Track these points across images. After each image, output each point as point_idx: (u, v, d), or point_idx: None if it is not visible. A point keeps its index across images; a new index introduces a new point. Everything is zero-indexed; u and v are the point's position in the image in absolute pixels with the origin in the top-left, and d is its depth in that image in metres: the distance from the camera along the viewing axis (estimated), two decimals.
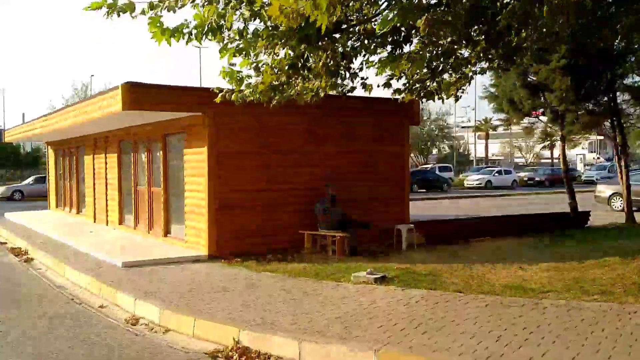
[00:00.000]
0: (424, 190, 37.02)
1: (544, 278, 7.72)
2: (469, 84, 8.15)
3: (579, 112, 13.86)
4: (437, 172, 44.07)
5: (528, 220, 14.31)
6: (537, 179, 43.04)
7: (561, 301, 6.30)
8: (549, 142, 43.95)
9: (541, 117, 14.11)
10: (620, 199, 21.32)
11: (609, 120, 15.22)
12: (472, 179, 41.12)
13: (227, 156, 10.67)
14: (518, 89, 13.42)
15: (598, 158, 69.12)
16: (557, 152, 60.97)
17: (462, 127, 79.16)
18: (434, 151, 52.39)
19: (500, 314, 5.92)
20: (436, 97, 7.63)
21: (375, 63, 6.82)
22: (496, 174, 40.99)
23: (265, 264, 9.68)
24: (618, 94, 15.75)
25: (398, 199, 12.58)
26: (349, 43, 6.90)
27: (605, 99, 15.11)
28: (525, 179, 43.54)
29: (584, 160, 57.97)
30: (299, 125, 11.54)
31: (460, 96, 7.77)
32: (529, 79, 13.57)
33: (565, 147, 14.53)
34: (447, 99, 7.87)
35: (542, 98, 13.58)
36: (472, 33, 7.17)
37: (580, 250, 10.15)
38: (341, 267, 9.03)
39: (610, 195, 21.65)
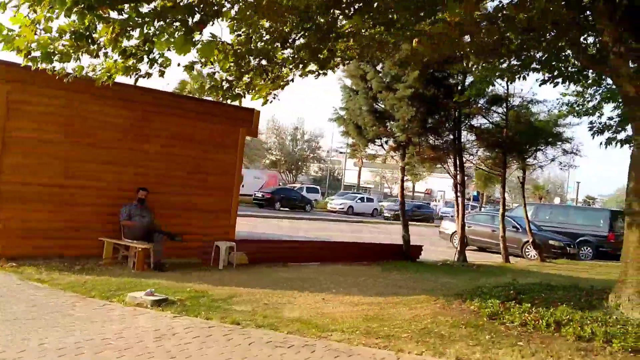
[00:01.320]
0: (287, 209, 36.59)
1: (341, 313, 7.04)
2: (282, 89, 7.47)
3: (421, 146, 13.81)
4: (304, 192, 43.97)
5: (364, 249, 14.00)
6: (396, 209, 44.22)
7: (334, 344, 5.58)
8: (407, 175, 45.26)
9: (385, 146, 13.93)
10: None
11: (452, 158, 15.42)
12: (335, 203, 41.38)
13: (19, 142, 9.09)
14: (364, 114, 13.10)
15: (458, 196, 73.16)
16: (419, 185, 63.82)
17: (340, 152, 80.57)
18: (303, 172, 52.29)
19: (257, 355, 5.06)
20: (242, 98, 6.77)
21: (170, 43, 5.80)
22: (359, 201, 41.58)
23: (44, 271, 8.23)
24: (464, 132, 16.10)
25: (225, 212, 11.60)
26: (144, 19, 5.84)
27: (451, 136, 15.32)
28: (392, 211, 44.52)
29: (444, 197, 60.90)
30: (124, 120, 10.30)
31: (271, 101, 7.05)
32: (375, 105, 13.31)
33: (404, 179, 14.41)
34: (253, 100, 7.11)
35: (387, 126, 13.37)
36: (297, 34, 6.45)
37: (399, 284, 9.76)
38: (127, 283, 7.82)
39: (452, 233, 22.25)
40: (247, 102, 17.39)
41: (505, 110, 15.78)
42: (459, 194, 15.36)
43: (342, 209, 40.15)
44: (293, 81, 7.94)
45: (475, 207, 45.79)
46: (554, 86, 9.72)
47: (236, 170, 11.67)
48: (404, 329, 6.33)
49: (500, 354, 5.55)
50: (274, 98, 7.57)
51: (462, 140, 16.02)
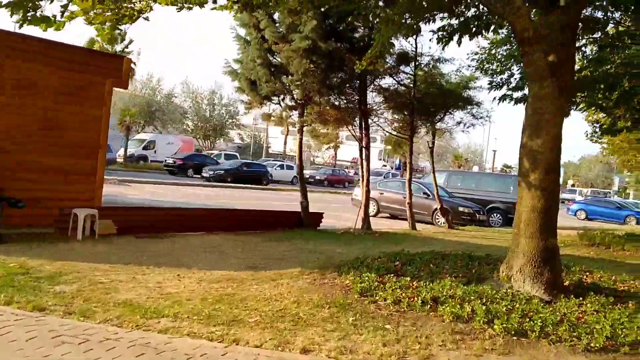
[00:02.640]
0: (200, 176, 34.92)
1: (190, 292, 5.86)
2: (132, 22, 6.07)
3: (321, 105, 12.68)
4: (222, 159, 42.26)
5: (258, 217, 12.84)
6: (317, 177, 43.49)
7: (152, 335, 4.39)
8: (333, 143, 44.42)
9: (283, 105, 12.68)
10: (374, 203, 21.41)
11: (358, 120, 14.45)
12: None
13: None
14: (257, 68, 11.75)
15: (385, 165, 73.22)
16: (346, 154, 63.34)
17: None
18: (220, 139, 50.16)
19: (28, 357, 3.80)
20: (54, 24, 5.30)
21: None
22: (277, 168, 40.35)
23: None
24: (371, 92, 15.13)
25: (88, 175, 10.05)
26: None
27: (357, 96, 14.30)
28: (307, 176, 43.71)
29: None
30: None
31: (120, 39, 5.66)
32: (270, 59, 11.99)
33: (302, 141, 13.28)
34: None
35: (284, 82, 12.10)
36: None
37: (280, 255, 8.68)
38: None
39: None
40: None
41: (413, 70, 14.87)
42: (364, 158, 14.43)
43: None
44: (146, 12, 6.55)
45: (396, 175, 45.69)
46: (459, 44, 8.77)
47: (102, 126, 10.11)
48: (258, 311, 5.24)
49: (359, 340, 4.55)
50: (121, 36, 6.09)
51: (369, 101, 15.05)
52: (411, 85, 14.93)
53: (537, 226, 6.39)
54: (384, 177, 43.72)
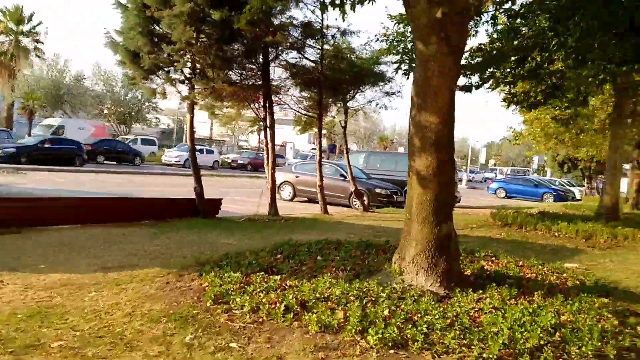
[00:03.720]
0: (113, 163, 32.79)
1: (0, 304, 4.58)
2: None
3: (214, 81, 11.38)
4: (138, 144, 40.06)
5: (145, 205, 11.48)
6: (240, 162, 42.05)
7: None
8: (257, 127, 43.08)
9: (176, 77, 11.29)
10: (290, 187, 20.38)
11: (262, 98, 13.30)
12: (170, 155, 38.01)
13: None
14: (137, 37, 10.31)
15: (314, 149, 72.24)
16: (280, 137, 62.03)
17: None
18: (138, 123, 47.45)
19: None
20: None
21: None
22: (197, 153, 38.49)
23: None
24: (277, 68, 13.99)
25: None
26: None
27: (259, 73, 13.12)
28: (229, 160, 42.24)
29: (294, 149, 59.70)
30: None
31: None
32: (152, 27, 10.56)
33: (192, 119, 11.97)
34: None
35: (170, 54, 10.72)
36: None
37: (149, 250, 7.43)
38: None
39: (280, 183, 20.46)
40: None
41: (320, 44, 13.81)
42: (268, 138, 13.32)
43: (178, 161, 36.93)
44: None
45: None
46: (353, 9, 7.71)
47: None
48: (73, 331, 4.07)
49: None
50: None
51: (275, 77, 13.94)
52: (319, 60, 13.88)
53: (430, 210, 5.50)
54: (308, 160, 43.16)
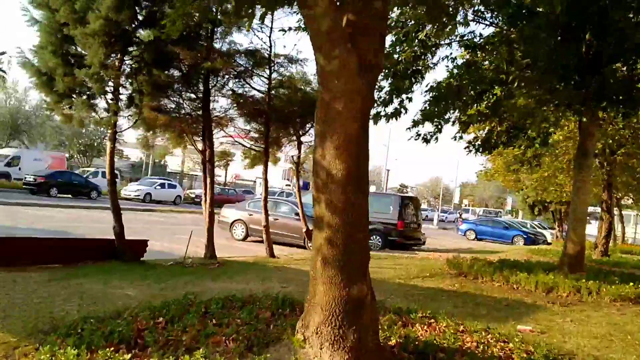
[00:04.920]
0: (68, 196, 31.19)
1: None
2: None
3: (141, 109, 10.28)
4: (99, 177, 38.46)
5: (56, 246, 10.12)
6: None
7: None
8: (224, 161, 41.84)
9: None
10: (243, 226, 19.11)
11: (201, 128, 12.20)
12: (130, 189, 36.51)
13: None
14: (48, 56, 9.18)
15: (288, 185, 70.85)
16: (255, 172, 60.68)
17: None
18: (98, 155, 45.81)
19: None
20: None
21: None
22: (158, 187, 37.09)
23: None
24: (222, 98, 12.95)
25: None
26: None
27: (198, 101, 12.07)
28: (193, 196, 40.79)
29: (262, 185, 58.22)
30: None
31: None
32: (67, 46, 9.43)
33: (115, 151, 10.78)
34: None
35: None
36: None
37: (35, 304, 6.12)
38: None
39: (232, 222, 19.24)
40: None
41: (269, 72, 12.84)
42: (207, 173, 12.17)
43: (138, 196, 35.49)
44: None
45: (291, 194, 43.60)
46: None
47: None
48: None
49: None
50: None
51: (219, 107, 12.91)
52: (266, 90, 12.88)
53: (338, 267, 4.37)
54: (278, 196, 41.89)
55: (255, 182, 60.99)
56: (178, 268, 10.42)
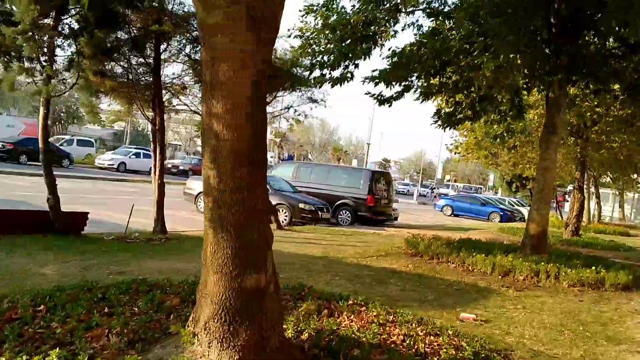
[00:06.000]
0: (40, 164, 30.15)
1: None
2: None
3: (85, 70, 9.56)
4: (74, 145, 37.63)
5: None
6: (181, 167, 39.89)
7: None
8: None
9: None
10: (201, 200, 18.48)
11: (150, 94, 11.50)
12: (104, 158, 35.67)
13: None
14: None
15: (273, 157, 69.84)
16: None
17: None
18: (74, 123, 44.62)
19: None
20: None
21: None
22: (133, 156, 36.21)
23: None
24: (178, 63, 12.22)
25: None
26: None
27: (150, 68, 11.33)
28: (169, 166, 39.96)
29: None
30: None
31: None
32: None
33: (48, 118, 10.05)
34: None
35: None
36: None
37: None
38: None
39: (197, 194, 18.56)
40: None
41: None
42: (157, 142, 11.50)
43: (112, 165, 34.65)
44: None
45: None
46: None
47: None
48: None
49: None
50: None
51: (176, 74, 12.24)
52: None
53: (229, 254, 3.78)
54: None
55: None
56: (119, 243, 9.81)
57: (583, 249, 15.25)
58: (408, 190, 59.95)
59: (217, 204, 3.73)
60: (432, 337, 5.00)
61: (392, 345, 4.70)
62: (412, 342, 4.79)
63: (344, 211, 19.28)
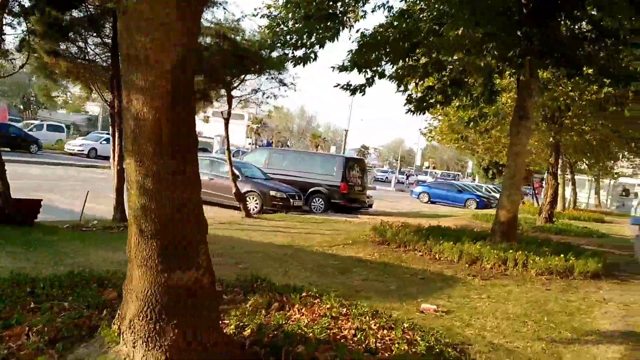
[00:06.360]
0: (7, 150, 29.38)
1: None
2: None
3: (38, 50, 9.11)
4: (44, 130, 36.73)
5: None
6: None
7: None
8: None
9: None
10: None
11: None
12: (74, 144, 34.79)
13: None
14: None
15: (251, 143, 68.99)
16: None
17: None
18: (45, 108, 43.45)
19: None
20: None
21: None
22: (104, 142, 35.30)
23: None
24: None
25: None
26: None
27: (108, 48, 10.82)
28: None
29: (221, 142, 56.89)
30: None
31: None
32: None
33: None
34: None
35: None
36: None
37: None
38: None
39: None
40: None
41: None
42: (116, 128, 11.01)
43: (82, 151, 33.79)
44: None
45: (245, 152, 42.35)
46: None
47: None
48: None
49: None
50: None
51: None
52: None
53: (154, 246, 3.43)
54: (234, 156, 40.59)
55: (213, 139, 59.48)
56: (73, 232, 9.38)
57: (556, 235, 15.16)
58: (387, 178, 59.84)
59: (140, 191, 3.38)
60: (385, 331, 4.73)
61: (341, 341, 4.42)
62: (363, 337, 4.51)
63: (317, 199, 18.98)
